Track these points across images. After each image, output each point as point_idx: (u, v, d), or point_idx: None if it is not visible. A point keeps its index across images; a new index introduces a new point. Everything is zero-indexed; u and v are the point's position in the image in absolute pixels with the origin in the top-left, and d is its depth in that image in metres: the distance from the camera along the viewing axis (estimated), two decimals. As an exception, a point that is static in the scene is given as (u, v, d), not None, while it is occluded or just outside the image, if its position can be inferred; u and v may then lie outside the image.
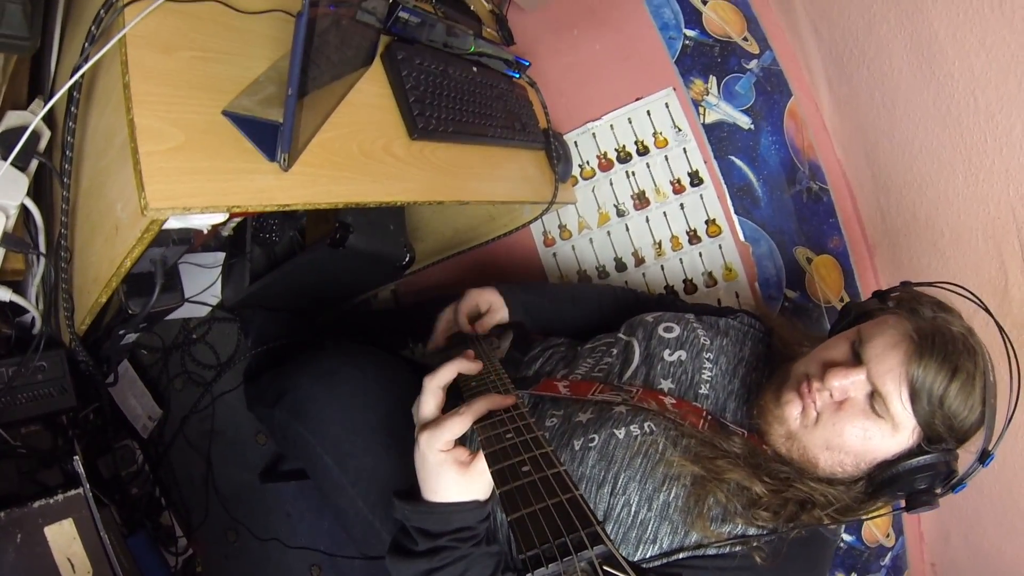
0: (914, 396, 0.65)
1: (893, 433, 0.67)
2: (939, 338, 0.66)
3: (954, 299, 0.77)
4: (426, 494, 0.59)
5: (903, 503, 0.71)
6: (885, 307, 0.78)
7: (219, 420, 1.30)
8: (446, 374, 0.63)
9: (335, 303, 1.48)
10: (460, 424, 0.56)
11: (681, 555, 0.65)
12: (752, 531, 0.66)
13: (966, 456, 0.69)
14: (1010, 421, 0.67)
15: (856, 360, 0.70)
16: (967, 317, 0.74)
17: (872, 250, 1.19)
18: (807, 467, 0.71)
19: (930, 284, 0.79)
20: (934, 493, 0.69)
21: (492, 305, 0.94)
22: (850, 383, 0.68)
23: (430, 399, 0.61)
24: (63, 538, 0.67)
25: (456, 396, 0.65)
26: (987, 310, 0.73)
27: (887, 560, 1.17)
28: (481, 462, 0.56)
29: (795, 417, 0.71)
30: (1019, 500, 0.95)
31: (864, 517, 0.71)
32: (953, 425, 0.65)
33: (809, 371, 0.72)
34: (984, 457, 0.67)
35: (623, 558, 0.38)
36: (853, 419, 0.68)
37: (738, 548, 0.66)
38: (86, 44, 0.56)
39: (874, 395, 0.68)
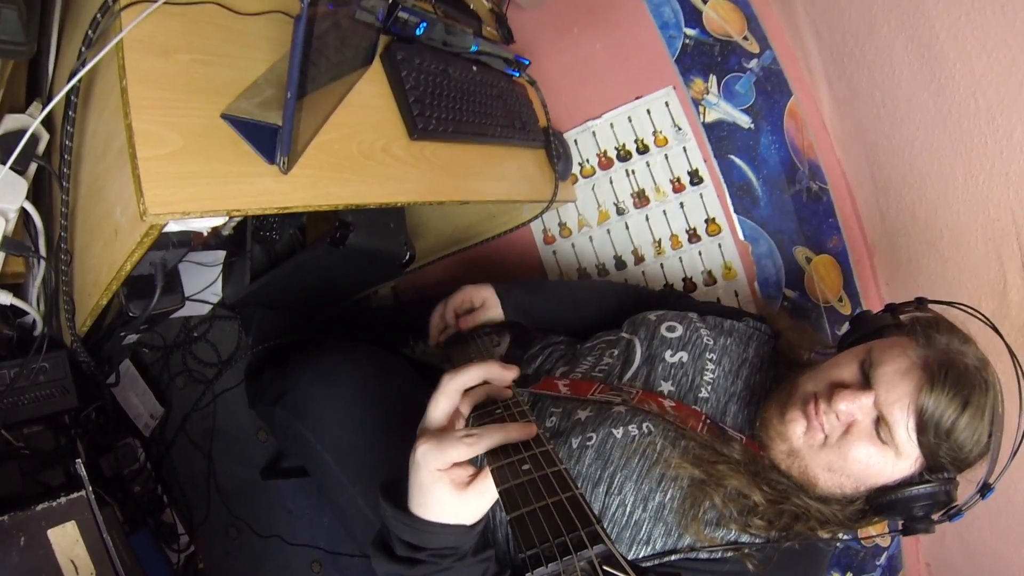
0: (921, 428, 0.64)
1: (896, 460, 0.66)
2: (952, 371, 0.64)
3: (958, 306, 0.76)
4: (412, 505, 0.53)
5: (900, 525, 0.71)
6: (899, 323, 0.76)
7: (220, 418, 1.30)
8: (470, 376, 0.55)
9: (335, 301, 1.48)
10: (466, 452, 0.49)
11: (673, 557, 0.66)
12: (745, 538, 0.67)
13: (965, 482, 0.69)
14: (1016, 451, 0.67)
15: (865, 383, 0.68)
16: (972, 334, 0.72)
17: (871, 250, 1.19)
18: (806, 485, 0.71)
19: (947, 303, 0.77)
20: (931, 520, 0.69)
21: (485, 302, 0.93)
22: (857, 407, 0.67)
23: (444, 402, 0.54)
24: (66, 540, 0.67)
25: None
26: (996, 329, 0.72)
27: (883, 560, 1.18)
28: (485, 482, 0.50)
29: (799, 436, 0.70)
30: (1014, 501, 0.95)
31: (861, 536, 0.71)
32: (958, 457, 0.65)
33: (817, 390, 0.71)
34: (985, 490, 0.67)
35: (623, 557, 0.38)
36: (859, 444, 0.67)
37: (730, 553, 0.66)
38: (83, 48, 0.56)
39: (880, 421, 0.66)
